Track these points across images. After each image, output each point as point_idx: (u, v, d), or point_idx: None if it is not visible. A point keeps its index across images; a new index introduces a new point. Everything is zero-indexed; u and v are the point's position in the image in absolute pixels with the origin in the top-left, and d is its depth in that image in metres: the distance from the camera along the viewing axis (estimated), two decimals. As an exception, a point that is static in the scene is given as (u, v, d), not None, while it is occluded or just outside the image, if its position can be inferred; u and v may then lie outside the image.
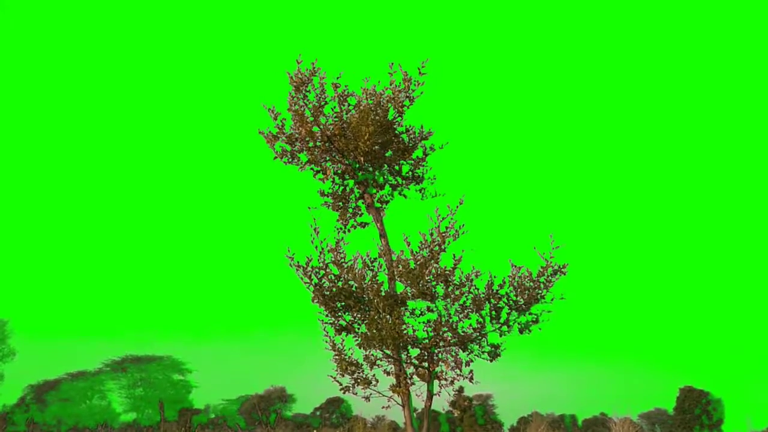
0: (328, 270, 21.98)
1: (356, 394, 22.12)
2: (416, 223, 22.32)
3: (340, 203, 23.25)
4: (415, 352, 22.00)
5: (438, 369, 21.97)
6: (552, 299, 21.99)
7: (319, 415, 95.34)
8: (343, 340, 22.09)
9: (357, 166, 22.76)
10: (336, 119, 22.57)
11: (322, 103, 22.61)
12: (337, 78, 22.62)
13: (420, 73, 22.59)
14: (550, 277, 21.88)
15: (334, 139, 22.39)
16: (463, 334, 21.82)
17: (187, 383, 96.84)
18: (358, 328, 21.95)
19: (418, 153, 23.24)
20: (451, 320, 21.81)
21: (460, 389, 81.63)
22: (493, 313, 21.99)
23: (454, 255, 21.83)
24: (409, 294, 21.86)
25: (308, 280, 21.94)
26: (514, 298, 21.93)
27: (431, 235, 21.94)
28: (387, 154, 22.99)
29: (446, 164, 23.34)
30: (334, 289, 21.84)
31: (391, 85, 22.63)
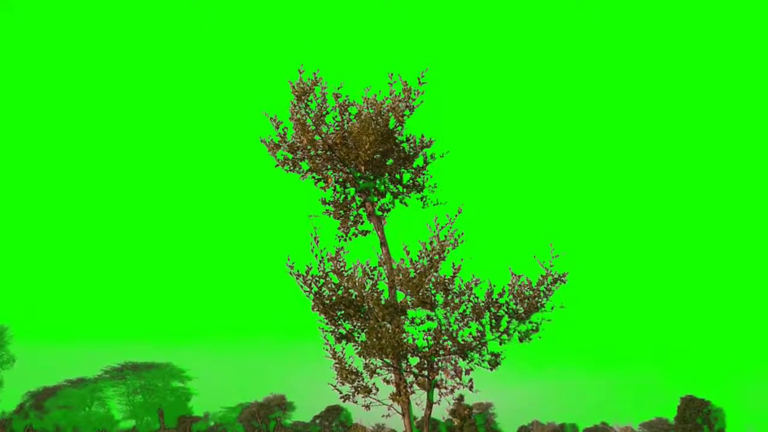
0: (328, 279, 22.06)
1: (356, 402, 22.16)
2: (417, 231, 22.41)
3: (341, 211, 23.34)
4: (414, 360, 22.04)
5: (438, 378, 22.01)
6: (552, 308, 22.05)
7: (319, 423, 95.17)
8: (344, 349, 22.16)
9: (358, 174, 22.87)
10: (337, 128, 22.70)
11: (324, 113, 22.75)
12: (339, 88, 22.78)
13: (420, 82, 22.75)
14: (549, 286, 21.94)
15: (336, 147, 22.51)
16: (463, 342, 21.86)
17: (187, 391, 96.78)
18: (358, 337, 22.00)
19: (418, 162, 23.37)
20: (450, 329, 21.85)
21: (460, 398, 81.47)
22: (493, 321, 22.03)
23: (453, 263, 21.92)
24: (409, 303, 21.91)
25: (308, 289, 22.01)
26: (514, 307, 21.97)
27: (431, 243, 22.00)
28: (388, 163, 23.11)
29: (447, 173, 23.45)
30: (334, 298, 21.90)
31: (391, 94, 22.78)
